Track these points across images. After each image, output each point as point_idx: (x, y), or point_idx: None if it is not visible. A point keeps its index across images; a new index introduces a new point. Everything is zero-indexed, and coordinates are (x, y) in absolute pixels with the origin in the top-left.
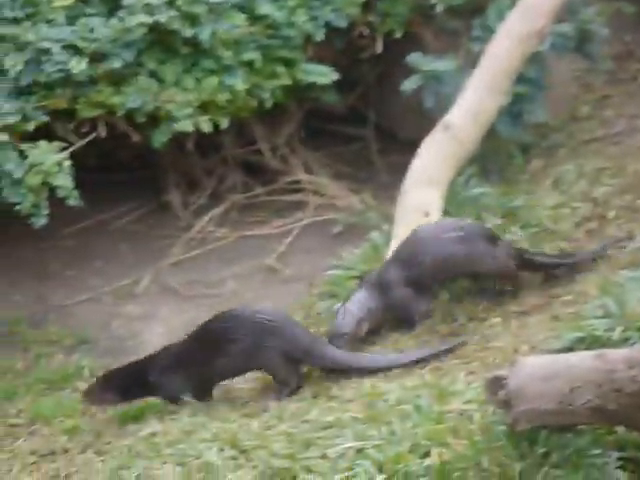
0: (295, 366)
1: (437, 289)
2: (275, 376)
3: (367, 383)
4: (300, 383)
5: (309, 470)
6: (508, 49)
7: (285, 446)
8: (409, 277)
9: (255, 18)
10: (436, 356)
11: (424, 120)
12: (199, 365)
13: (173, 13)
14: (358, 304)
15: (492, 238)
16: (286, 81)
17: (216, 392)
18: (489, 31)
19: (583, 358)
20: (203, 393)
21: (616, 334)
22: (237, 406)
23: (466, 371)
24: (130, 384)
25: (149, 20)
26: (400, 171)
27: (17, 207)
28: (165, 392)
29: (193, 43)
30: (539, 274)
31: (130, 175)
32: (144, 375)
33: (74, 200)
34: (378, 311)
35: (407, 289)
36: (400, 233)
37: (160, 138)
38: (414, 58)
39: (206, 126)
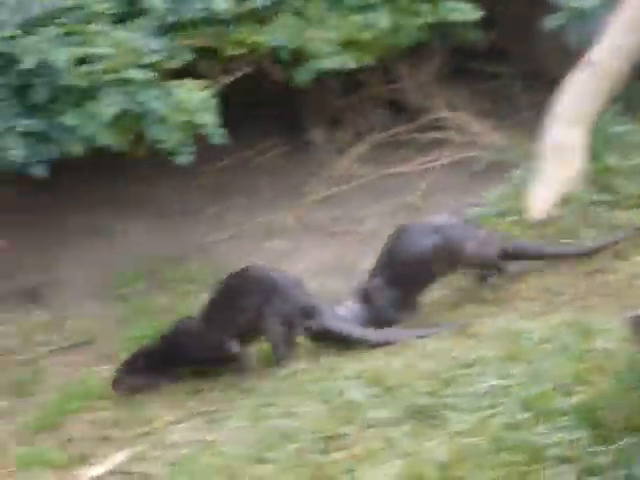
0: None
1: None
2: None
3: (510, 322)
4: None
5: (452, 408)
6: None
7: (428, 384)
8: (393, 281)
9: None
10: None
11: (567, 57)
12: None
13: None
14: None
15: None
16: (429, 19)
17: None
18: None
19: None
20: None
21: None
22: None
23: (611, 309)
24: (157, 364)
25: None
26: (542, 108)
27: (162, 145)
28: (194, 363)
29: None
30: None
31: (272, 113)
32: (171, 352)
33: (219, 138)
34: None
35: (391, 295)
36: (544, 170)
37: (303, 76)
38: None
39: (349, 64)
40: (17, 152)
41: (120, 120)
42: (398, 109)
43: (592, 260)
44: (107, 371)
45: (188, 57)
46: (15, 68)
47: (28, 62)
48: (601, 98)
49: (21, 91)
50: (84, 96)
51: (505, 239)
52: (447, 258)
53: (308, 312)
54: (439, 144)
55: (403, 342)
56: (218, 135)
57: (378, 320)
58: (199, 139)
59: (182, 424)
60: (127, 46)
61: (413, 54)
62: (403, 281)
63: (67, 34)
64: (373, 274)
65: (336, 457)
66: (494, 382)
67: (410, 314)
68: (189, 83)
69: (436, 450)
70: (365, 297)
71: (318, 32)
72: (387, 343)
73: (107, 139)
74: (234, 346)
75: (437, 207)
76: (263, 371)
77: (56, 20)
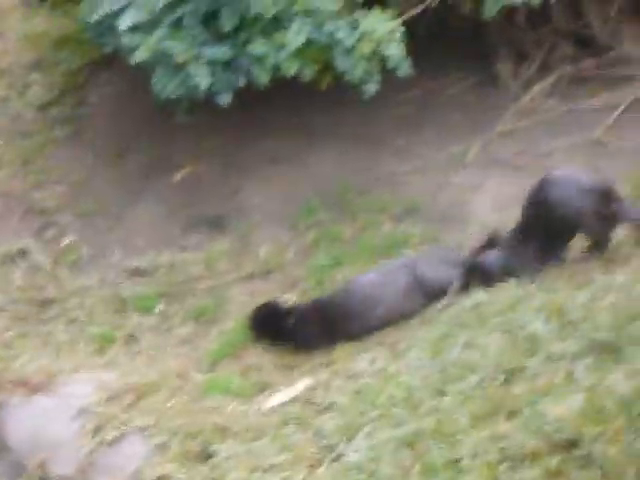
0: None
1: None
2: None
3: None
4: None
5: (634, 343)
6: None
7: (610, 319)
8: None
9: None
10: None
11: None
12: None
13: None
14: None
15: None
16: None
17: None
18: None
19: None
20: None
21: None
22: (564, 277)
23: None
24: None
25: None
26: None
27: (348, 76)
28: None
29: None
30: None
31: (459, 45)
32: None
33: (405, 69)
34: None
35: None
36: None
37: (491, 8)
38: None
39: None
40: (202, 80)
41: (307, 50)
42: (585, 44)
43: None
44: (290, 299)
45: None
46: None
47: None
48: None
49: (208, 19)
50: (271, 25)
51: None
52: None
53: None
54: (626, 80)
55: (588, 277)
56: (405, 66)
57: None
58: (386, 70)
59: (363, 354)
60: None
61: None
62: (547, 235)
63: None
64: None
65: (517, 390)
66: None
67: (554, 262)
68: (376, 13)
69: (618, 385)
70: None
71: None
72: None
73: (293, 69)
74: None
75: (624, 142)
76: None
77: None
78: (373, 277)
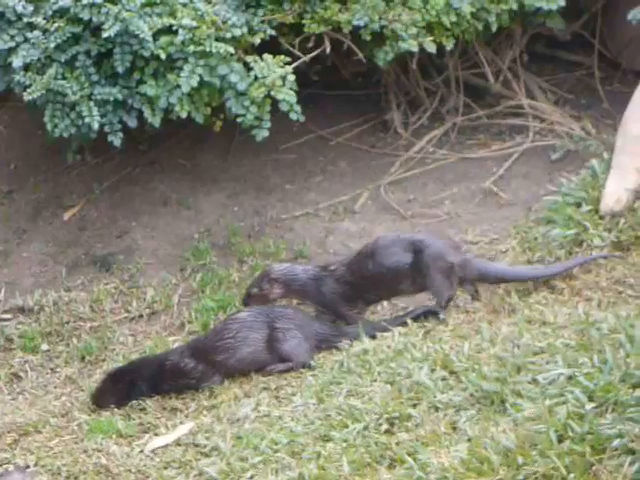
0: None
1: None
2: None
3: (580, 310)
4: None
5: (519, 394)
6: None
7: (496, 369)
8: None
9: None
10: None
11: None
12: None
13: None
14: None
15: None
16: (513, 5)
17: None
18: None
19: None
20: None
21: None
22: (450, 327)
23: None
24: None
25: None
26: (622, 100)
27: (240, 119)
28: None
29: None
30: None
31: (351, 92)
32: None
33: (296, 115)
34: None
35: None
36: (621, 162)
37: (385, 57)
38: None
39: (430, 47)
40: (94, 120)
41: (199, 92)
42: (478, 94)
43: None
44: (175, 341)
45: (269, 33)
46: (96, 36)
47: (110, 30)
48: None
49: (101, 59)
50: (165, 66)
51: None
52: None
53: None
54: (518, 130)
55: (474, 327)
56: (295, 112)
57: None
58: (280, 116)
59: (247, 398)
60: (209, 19)
61: (495, 40)
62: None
63: (150, 4)
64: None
65: (401, 438)
66: (562, 370)
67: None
68: (269, 59)
69: (501, 436)
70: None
71: (400, 13)
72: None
73: (185, 111)
74: None
75: (513, 193)
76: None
77: None
78: (246, 316)
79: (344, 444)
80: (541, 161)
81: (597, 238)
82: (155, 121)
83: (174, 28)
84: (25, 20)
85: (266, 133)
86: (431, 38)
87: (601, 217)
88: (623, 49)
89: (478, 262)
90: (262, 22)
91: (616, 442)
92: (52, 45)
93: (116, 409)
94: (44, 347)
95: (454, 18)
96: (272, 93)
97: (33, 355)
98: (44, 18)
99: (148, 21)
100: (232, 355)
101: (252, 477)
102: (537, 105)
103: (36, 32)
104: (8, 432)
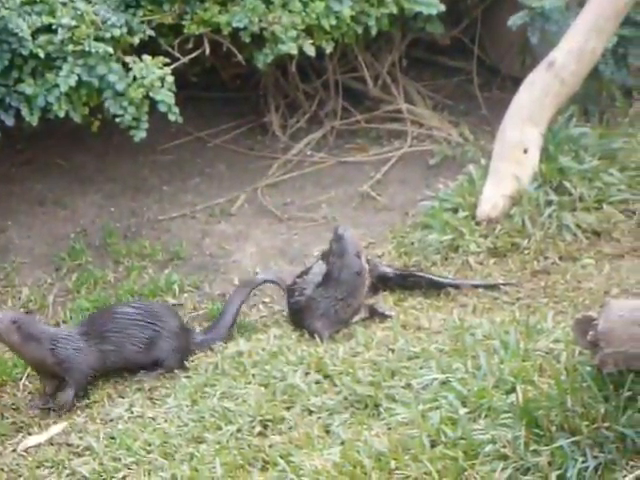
0: None
1: None
2: None
3: (455, 316)
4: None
5: (392, 399)
6: None
7: (370, 374)
8: None
9: None
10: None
11: (528, 57)
12: None
13: None
14: None
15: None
16: (392, 9)
17: None
18: None
19: None
20: None
21: None
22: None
23: (555, 310)
24: None
25: None
26: (501, 106)
27: (118, 119)
28: None
29: None
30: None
31: (230, 94)
32: None
33: (174, 116)
34: None
35: None
36: (498, 169)
37: (264, 59)
38: None
39: (310, 50)
40: None
41: (77, 92)
42: (357, 98)
43: (540, 261)
44: None
45: (148, 33)
46: None
47: None
48: (559, 99)
49: None
50: (43, 65)
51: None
52: None
53: None
54: (396, 135)
55: (349, 331)
56: (173, 113)
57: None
58: (159, 117)
59: (120, 399)
60: (89, 18)
61: (374, 44)
62: None
63: (30, 2)
64: None
65: (274, 441)
66: (436, 375)
67: None
68: (148, 59)
69: (374, 440)
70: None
71: (280, 16)
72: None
73: (63, 110)
74: None
75: (391, 198)
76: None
77: None
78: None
79: (217, 446)
80: (419, 166)
81: (473, 244)
82: (33, 120)
83: (53, 27)
84: None
85: (144, 134)
86: (311, 41)
87: (478, 223)
88: (503, 55)
89: None
90: (142, 22)
91: (489, 447)
92: None
93: None
94: None
95: (334, 21)
96: (150, 94)
97: None
98: None
99: (27, 19)
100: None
101: (124, 478)
102: (415, 110)
103: None
104: None
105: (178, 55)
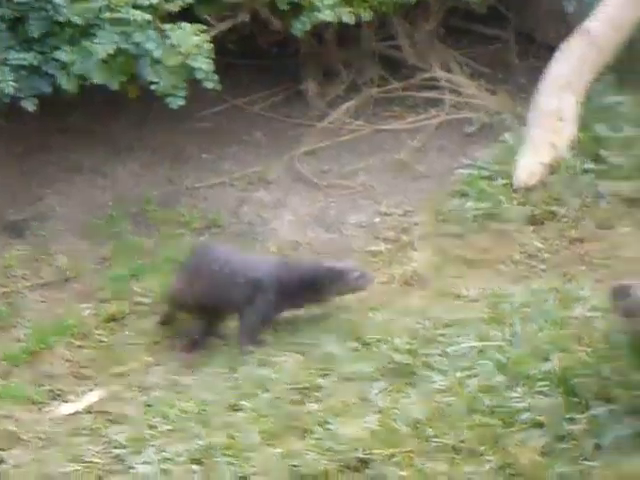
0: None
1: None
2: None
3: (492, 285)
4: None
5: (429, 366)
6: None
7: (407, 341)
8: None
9: None
10: None
11: (564, 25)
12: None
13: None
14: None
15: None
16: None
17: None
18: None
19: None
20: None
21: None
22: (363, 298)
23: (592, 278)
24: None
25: None
26: (537, 74)
27: (154, 87)
28: None
29: None
30: None
31: (267, 62)
32: None
33: (212, 83)
34: None
35: None
36: (534, 137)
37: (301, 27)
38: None
39: (347, 18)
40: (7, 84)
41: (115, 59)
42: (394, 66)
43: (577, 228)
44: (86, 309)
45: (187, 1)
46: (11, 0)
47: None
48: (595, 68)
49: (16, 24)
50: (80, 33)
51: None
52: None
53: None
54: (433, 103)
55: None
56: (211, 80)
57: None
58: (196, 84)
59: (159, 367)
60: None
61: (411, 12)
62: None
63: None
64: None
65: (310, 408)
66: (473, 343)
67: None
68: (185, 27)
69: (411, 407)
70: None
71: None
72: None
73: (101, 77)
74: None
75: (427, 165)
76: None
77: None
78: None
79: (254, 414)
80: (456, 134)
81: (510, 212)
82: (70, 87)
83: None
84: None
85: (181, 101)
86: (348, 9)
87: (515, 191)
88: (538, 23)
89: None
90: None
91: (525, 415)
92: None
93: (28, 375)
94: None
95: None
96: (188, 61)
97: None
98: None
99: None
100: None
101: (160, 446)
102: (452, 78)
103: None
104: None
105: (216, 23)
